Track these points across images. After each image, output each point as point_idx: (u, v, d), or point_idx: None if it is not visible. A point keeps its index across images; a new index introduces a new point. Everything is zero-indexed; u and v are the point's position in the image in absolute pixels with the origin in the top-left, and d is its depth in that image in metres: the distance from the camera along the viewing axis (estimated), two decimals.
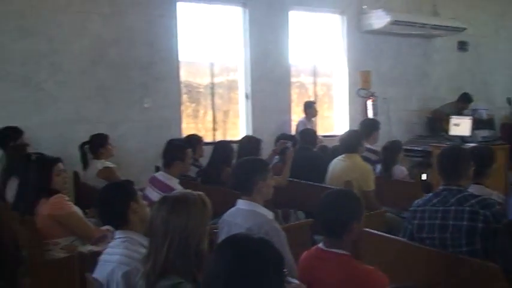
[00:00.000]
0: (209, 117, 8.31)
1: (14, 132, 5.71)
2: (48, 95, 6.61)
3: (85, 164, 5.85)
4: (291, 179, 5.45)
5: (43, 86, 6.57)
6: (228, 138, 7.88)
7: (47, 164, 4.16)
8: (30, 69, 6.50)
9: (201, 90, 8.34)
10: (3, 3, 6.33)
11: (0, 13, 6.32)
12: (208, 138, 7.67)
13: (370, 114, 8.75)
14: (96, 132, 5.99)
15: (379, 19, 8.90)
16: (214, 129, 8.25)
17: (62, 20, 6.65)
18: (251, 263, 1.73)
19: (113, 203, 2.87)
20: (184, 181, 5.06)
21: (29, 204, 4.07)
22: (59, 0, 6.62)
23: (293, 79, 8.84)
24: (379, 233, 3.72)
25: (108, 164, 5.77)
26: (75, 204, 4.24)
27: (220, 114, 8.42)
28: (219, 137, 8.09)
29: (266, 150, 5.97)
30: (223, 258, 1.75)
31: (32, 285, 4.03)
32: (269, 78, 8.26)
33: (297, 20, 8.74)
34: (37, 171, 4.10)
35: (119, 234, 2.86)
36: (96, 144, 5.78)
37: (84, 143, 5.87)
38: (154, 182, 4.78)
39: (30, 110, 6.50)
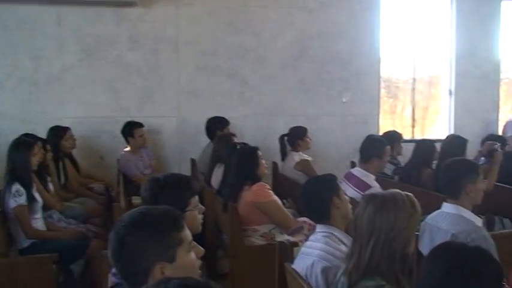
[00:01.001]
0: (407, 113, 8.04)
1: (221, 122, 6.08)
2: (252, 88, 6.91)
3: (283, 155, 6.00)
4: (497, 183, 5.03)
5: (248, 80, 6.89)
6: (427, 136, 7.56)
7: (250, 153, 4.33)
8: (237, 63, 6.85)
9: (399, 85, 8.10)
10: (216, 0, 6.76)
11: (212, 9, 6.75)
12: (405, 135, 7.41)
13: None
14: (295, 125, 6.12)
15: None
16: (412, 126, 7.96)
17: (269, 15, 6.90)
18: (469, 275, 1.58)
19: (316, 196, 2.87)
20: (381, 178, 4.94)
21: (233, 191, 4.27)
22: None
23: (501, 75, 8.16)
24: None
25: (305, 156, 5.86)
26: None
27: (419, 110, 8.09)
28: (417, 135, 7.81)
29: (469, 151, 5.59)
30: (438, 268, 1.63)
31: (232, 268, 4.25)
32: (475, 73, 7.73)
33: (510, 10, 8.04)
34: (242, 160, 4.28)
35: (320, 228, 2.86)
36: (295, 137, 5.90)
37: (283, 135, 6.02)
38: (350, 178, 4.72)
39: (236, 102, 6.87)
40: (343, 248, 2.70)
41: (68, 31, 6.40)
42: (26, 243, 4.25)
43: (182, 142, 6.76)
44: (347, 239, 2.74)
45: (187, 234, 1.80)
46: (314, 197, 2.88)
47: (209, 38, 6.73)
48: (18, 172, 4.27)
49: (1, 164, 6.16)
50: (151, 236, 1.70)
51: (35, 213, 4.32)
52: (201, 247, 1.93)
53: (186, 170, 6.44)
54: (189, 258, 1.79)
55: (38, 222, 4.36)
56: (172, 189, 2.51)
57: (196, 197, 2.62)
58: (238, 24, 6.81)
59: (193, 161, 6.28)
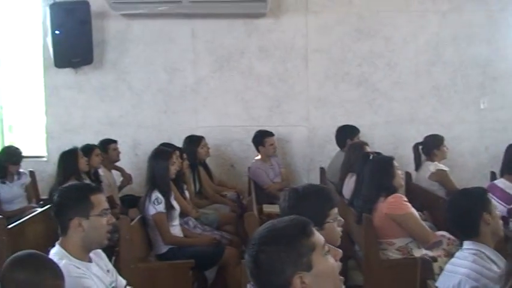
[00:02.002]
0: None
1: (351, 131, 5.95)
2: (383, 95, 6.73)
3: (417, 165, 5.75)
4: None
5: (378, 86, 6.72)
6: None
7: (385, 162, 4.18)
8: (367, 69, 6.71)
9: None
10: (344, 5, 6.67)
11: (341, 16, 6.68)
12: None
13: None
14: (428, 133, 5.85)
15: None
16: None
17: (399, 20, 6.69)
18: None
19: (464, 211, 2.69)
20: None
21: (367, 202, 4.14)
22: (398, 1, 6.67)
23: None
24: None
25: (441, 166, 5.57)
26: None
27: None
28: None
29: None
30: None
31: (367, 282, 4.13)
32: None
33: None
34: (377, 170, 4.15)
35: (467, 245, 2.67)
36: (431, 146, 5.62)
37: (418, 144, 5.77)
38: (494, 190, 4.40)
39: (365, 109, 6.73)
40: (494, 267, 2.52)
41: (202, 43, 6.64)
42: (164, 248, 4.42)
43: (311, 151, 6.75)
44: (498, 258, 2.56)
45: (319, 238, 1.74)
46: (462, 212, 2.70)
47: (338, 45, 6.67)
48: (157, 180, 4.45)
49: (139, 171, 6.56)
50: (282, 249, 1.67)
51: (173, 220, 4.48)
52: (338, 249, 1.86)
53: (315, 179, 6.41)
54: (327, 262, 1.74)
55: (176, 229, 4.52)
56: (312, 200, 2.47)
57: (336, 209, 2.54)
58: (367, 30, 6.67)
59: (322, 170, 6.21)
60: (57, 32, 6.03)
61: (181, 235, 4.58)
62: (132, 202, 5.61)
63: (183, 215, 4.79)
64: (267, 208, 5.41)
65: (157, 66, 6.65)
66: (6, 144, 6.82)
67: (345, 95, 6.71)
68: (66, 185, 2.78)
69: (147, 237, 4.49)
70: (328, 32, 6.64)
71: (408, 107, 6.75)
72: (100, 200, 2.63)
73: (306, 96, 6.70)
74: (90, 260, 2.64)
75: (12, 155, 5.51)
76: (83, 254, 2.59)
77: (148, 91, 6.69)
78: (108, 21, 6.59)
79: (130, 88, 6.67)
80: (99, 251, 2.78)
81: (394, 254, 4.04)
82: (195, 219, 5.04)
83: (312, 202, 2.45)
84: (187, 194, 5.20)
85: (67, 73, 6.54)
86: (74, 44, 6.11)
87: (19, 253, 2.15)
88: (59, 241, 2.61)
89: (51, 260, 2.22)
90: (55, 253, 2.53)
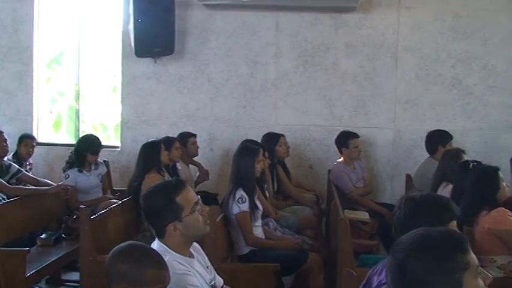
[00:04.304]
0: None
1: (444, 137, 5.54)
2: (477, 99, 6.30)
3: None
4: None
5: (472, 90, 6.30)
6: None
7: (490, 173, 3.89)
8: (461, 71, 6.29)
9: None
10: (440, 2, 6.29)
11: (435, 13, 6.29)
12: None
13: None
14: None
15: None
16: None
17: (499, 20, 6.24)
18: None
19: None
20: None
21: (467, 215, 3.80)
22: (499, 1, 6.22)
23: None
24: None
25: None
26: None
27: None
28: None
29: None
30: None
31: None
32: None
33: None
34: (480, 181, 3.83)
35: None
36: None
37: None
38: None
39: (457, 114, 6.33)
40: None
41: (285, 37, 6.40)
42: (246, 249, 4.27)
43: (396, 155, 6.39)
44: None
45: (474, 258, 1.59)
46: None
47: (431, 44, 6.27)
48: (243, 178, 4.29)
49: (214, 167, 6.42)
50: (435, 260, 1.55)
51: (256, 220, 4.33)
52: (488, 273, 1.74)
53: (399, 185, 6.17)
54: (478, 285, 1.60)
55: (258, 230, 4.36)
56: (431, 210, 2.25)
57: (455, 222, 2.30)
58: (464, 30, 6.25)
59: (408, 177, 5.87)
60: (139, 20, 5.93)
61: (263, 237, 4.40)
62: (207, 199, 5.42)
63: (263, 215, 4.58)
64: (349, 214, 5.12)
65: (238, 59, 6.45)
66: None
67: (436, 97, 6.31)
68: (149, 190, 2.58)
69: (229, 237, 4.33)
70: (421, 29, 6.26)
71: (504, 114, 6.28)
72: (187, 198, 2.48)
73: (394, 97, 6.34)
74: (191, 256, 2.53)
75: (92, 144, 5.42)
76: (184, 248, 2.49)
77: (227, 84, 6.49)
78: (190, 11, 6.43)
79: (209, 80, 6.50)
80: (198, 246, 2.67)
81: (494, 272, 3.71)
82: (275, 221, 4.82)
83: (431, 211, 2.25)
84: (266, 193, 5.00)
85: (146, 63, 6.44)
86: (156, 34, 5.99)
87: (120, 245, 2.10)
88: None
89: (153, 251, 2.14)
90: (156, 249, 2.38)
